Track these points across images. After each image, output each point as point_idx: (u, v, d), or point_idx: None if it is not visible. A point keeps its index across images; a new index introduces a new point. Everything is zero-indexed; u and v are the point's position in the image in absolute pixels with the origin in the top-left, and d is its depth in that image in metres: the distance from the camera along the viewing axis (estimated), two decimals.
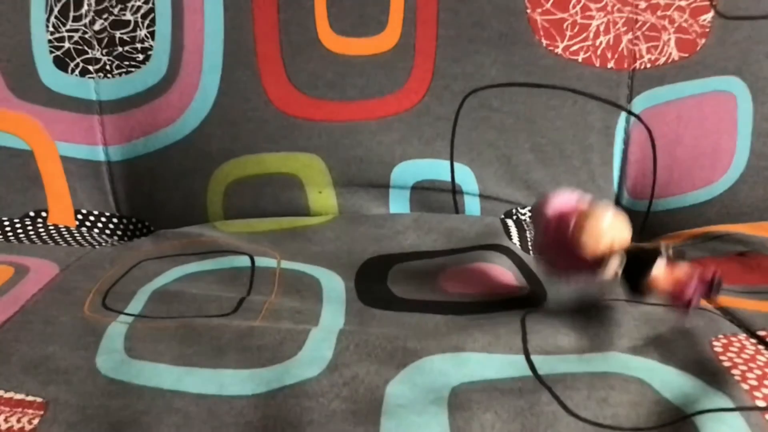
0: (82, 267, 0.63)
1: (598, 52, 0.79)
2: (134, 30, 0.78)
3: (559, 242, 0.52)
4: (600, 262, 0.51)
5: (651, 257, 0.50)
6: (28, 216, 0.79)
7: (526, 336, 0.49)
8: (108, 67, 0.79)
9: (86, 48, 0.79)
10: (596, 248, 0.50)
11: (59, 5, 0.78)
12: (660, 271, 0.49)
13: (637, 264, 0.50)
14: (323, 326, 0.52)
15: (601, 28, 0.79)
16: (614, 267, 0.50)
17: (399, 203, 0.79)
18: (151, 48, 0.78)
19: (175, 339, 0.49)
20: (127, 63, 0.79)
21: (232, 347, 0.48)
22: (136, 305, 0.55)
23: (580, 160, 0.79)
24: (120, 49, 0.78)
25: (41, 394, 0.45)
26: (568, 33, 0.79)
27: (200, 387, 0.45)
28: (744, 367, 0.46)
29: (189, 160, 0.79)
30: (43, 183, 0.80)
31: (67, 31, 0.79)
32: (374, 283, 0.60)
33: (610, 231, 0.51)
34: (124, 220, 0.82)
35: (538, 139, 0.79)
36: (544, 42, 0.78)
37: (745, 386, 0.44)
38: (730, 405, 0.43)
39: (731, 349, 0.48)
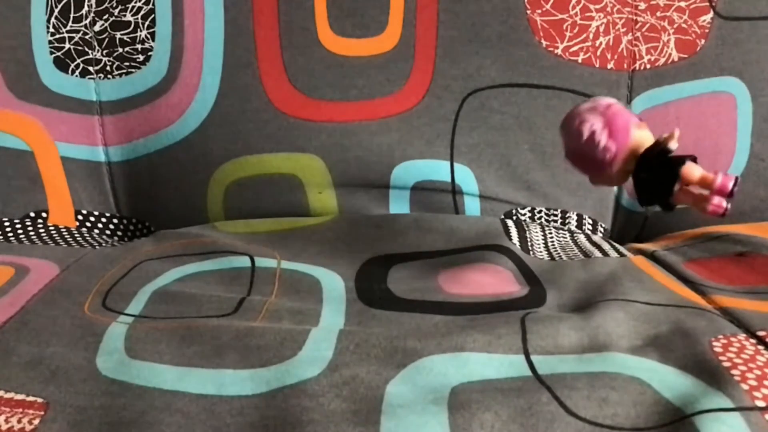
0: (82, 267, 0.63)
1: (598, 52, 0.79)
2: (134, 31, 0.78)
3: (611, 125, 0.57)
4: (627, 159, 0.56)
5: (677, 162, 0.55)
6: (28, 216, 0.80)
7: (526, 336, 0.49)
8: (108, 68, 0.79)
9: (86, 49, 0.79)
10: (641, 144, 0.56)
11: (59, 6, 0.78)
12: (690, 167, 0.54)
13: (663, 172, 0.55)
14: (323, 326, 0.52)
15: (601, 29, 0.79)
16: (676, 137, 0.55)
17: (399, 203, 0.79)
18: (151, 49, 0.78)
19: (175, 339, 0.49)
20: (127, 64, 0.79)
21: (232, 347, 0.48)
22: (136, 306, 0.55)
23: None
24: (120, 49, 0.79)
25: (41, 394, 0.45)
26: (568, 34, 0.79)
27: (200, 387, 0.45)
28: (744, 368, 0.46)
29: (189, 160, 0.79)
30: (44, 183, 0.80)
31: (68, 31, 0.79)
32: (374, 283, 0.60)
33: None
34: (125, 221, 0.82)
35: (538, 139, 0.79)
36: (544, 43, 0.78)
37: (745, 386, 0.44)
38: (730, 405, 0.43)
39: (731, 349, 0.48)
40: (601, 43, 0.79)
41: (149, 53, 0.78)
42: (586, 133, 0.56)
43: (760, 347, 0.49)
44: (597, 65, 0.79)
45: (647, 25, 0.79)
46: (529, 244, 0.70)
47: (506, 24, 0.78)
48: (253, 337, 0.49)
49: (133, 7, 0.78)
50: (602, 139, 0.56)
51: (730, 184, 0.53)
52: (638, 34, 0.79)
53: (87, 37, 0.79)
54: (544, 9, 0.78)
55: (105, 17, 0.79)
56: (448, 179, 0.79)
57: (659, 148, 0.55)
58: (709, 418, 0.42)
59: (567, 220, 0.81)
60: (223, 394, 0.45)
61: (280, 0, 0.78)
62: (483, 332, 0.49)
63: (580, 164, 0.59)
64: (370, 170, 0.78)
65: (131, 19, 0.78)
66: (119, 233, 0.82)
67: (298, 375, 0.45)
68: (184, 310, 0.54)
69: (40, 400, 0.45)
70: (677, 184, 0.54)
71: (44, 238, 0.77)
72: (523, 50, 0.78)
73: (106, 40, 0.79)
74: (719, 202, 0.53)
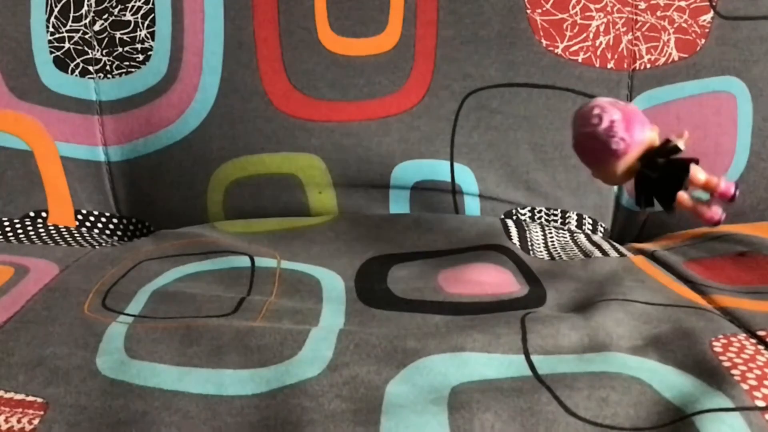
0: (82, 267, 0.63)
1: (598, 52, 0.79)
2: (134, 30, 0.78)
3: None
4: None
5: (684, 163, 0.57)
6: (28, 216, 0.80)
7: (526, 336, 0.49)
8: (108, 68, 0.79)
9: (86, 48, 0.79)
10: (652, 144, 0.59)
11: (59, 6, 0.78)
12: (696, 169, 0.58)
13: (670, 172, 0.57)
14: (323, 326, 0.52)
15: (601, 29, 0.79)
16: (685, 139, 0.58)
17: (399, 203, 0.79)
18: (151, 48, 0.78)
19: (175, 339, 0.49)
20: (127, 63, 0.79)
21: (232, 347, 0.48)
22: (136, 305, 0.55)
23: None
24: (120, 49, 0.79)
25: (41, 394, 0.45)
26: (568, 33, 0.79)
27: (200, 387, 0.45)
28: (744, 368, 0.46)
29: (189, 160, 0.79)
30: (43, 183, 0.80)
31: (67, 31, 0.79)
32: (374, 283, 0.60)
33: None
34: (124, 221, 0.82)
35: (538, 139, 0.79)
36: (544, 42, 0.78)
37: (745, 386, 0.44)
38: (730, 405, 0.43)
39: (731, 349, 0.48)
40: (601, 43, 0.79)
41: (149, 53, 0.78)
42: (606, 122, 0.58)
43: (760, 347, 0.49)
44: (597, 65, 0.79)
45: (647, 25, 0.79)
46: (529, 244, 0.70)
47: (506, 24, 0.78)
48: (253, 337, 0.49)
49: (133, 6, 0.78)
50: (619, 129, 0.57)
51: (732, 189, 0.57)
52: (638, 33, 0.79)
53: (87, 36, 0.79)
54: (544, 9, 0.78)
55: (105, 17, 0.79)
56: (448, 179, 0.79)
57: (668, 148, 0.57)
58: (710, 417, 0.42)
59: (567, 220, 0.81)
60: (223, 394, 0.45)
61: (280, 0, 0.78)
62: (483, 332, 0.49)
63: (589, 154, 0.60)
64: (370, 170, 0.78)
65: (131, 18, 0.78)
66: (119, 233, 0.82)
67: (298, 375, 0.45)
68: (184, 310, 0.54)
69: (40, 400, 0.45)
70: (685, 184, 0.56)
71: (44, 237, 0.77)
72: (523, 50, 0.78)
73: (106, 39, 0.79)
74: (717, 210, 0.57)
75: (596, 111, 0.58)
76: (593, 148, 0.59)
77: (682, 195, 0.57)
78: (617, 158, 0.58)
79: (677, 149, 0.57)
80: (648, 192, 0.58)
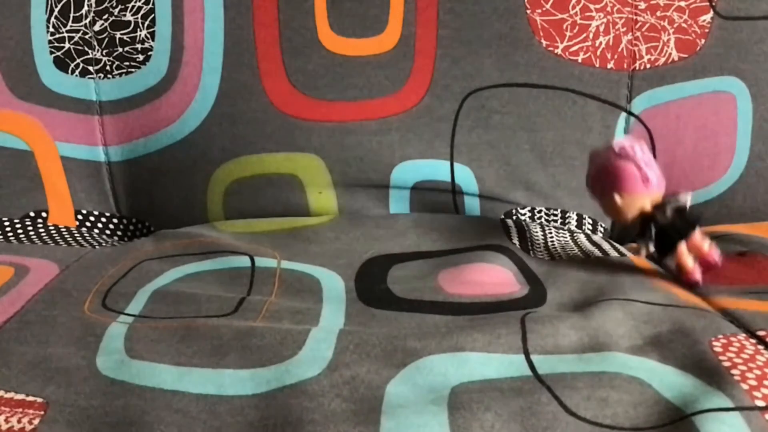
0: (82, 267, 0.63)
1: (598, 52, 0.79)
2: (134, 30, 0.78)
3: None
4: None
5: (688, 225, 0.61)
6: (28, 216, 0.80)
7: (525, 336, 0.49)
8: (108, 68, 0.79)
9: (86, 48, 0.79)
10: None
11: (59, 6, 0.78)
12: (697, 236, 0.61)
13: (678, 222, 0.61)
14: (323, 326, 0.52)
15: (601, 29, 0.79)
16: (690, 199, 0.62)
17: (399, 203, 0.79)
18: (151, 48, 0.78)
19: (175, 339, 0.49)
20: (127, 63, 0.79)
21: (232, 347, 0.48)
22: (136, 305, 0.55)
23: (580, 160, 0.79)
24: (120, 49, 0.79)
25: (41, 394, 0.45)
26: (568, 33, 0.79)
27: (200, 387, 0.45)
28: (743, 367, 0.46)
29: (189, 160, 0.79)
30: (43, 183, 0.80)
31: (68, 31, 0.79)
32: (374, 283, 0.60)
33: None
34: (124, 220, 0.82)
35: (538, 139, 0.79)
36: (544, 42, 0.78)
37: (745, 386, 0.44)
38: (730, 405, 0.43)
39: (731, 349, 0.48)
40: (601, 43, 0.79)
41: (149, 53, 0.78)
42: (648, 154, 0.62)
43: (760, 347, 0.49)
44: (597, 65, 0.79)
45: (647, 25, 0.79)
46: (529, 244, 0.70)
47: (506, 24, 0.78)
48: (253, 337, 0.49)
49: (133, 6, 0.78)
50: (653, 165, 0.62)
51: (718, 259, 0.61)
52: (638, 33, 0.79)
53: (87, 36, 0.79)
54: (544, 9, 0.78)
55: (105, 17, 0.79)
56: (448, 179, 0.79)
57: (678, 203, 0.61)
58: (709, 417, 0.42)
59: (567, 220, 0.81)
60: (223, 394, 0.45)
61: (280, 0, 0.78)
62: (483, 332, 0.49)
63: (617, 181, 0.62)
64: (370, 170, 0.78)
65: (131, 18, 0.78)
66: (119, 233, 0.82)
67: (298, 375, 0.45)
68: (184, 310, 0.54)
69: (40, 400, 0.45)
70: (691, 234, 0.61)
71: (44, 238, 0.77)
72: (523, 50, 0.78)
73: (106, 39, 0.79)
74: (698, 271, 0.60)
75: (629, 144, 0.62)
76: (624, 176, 0.61)
77: (682, 247, 0.61)
78: (646, 190, 0.61)
79: (684, 206, 0.61)
80: (649, 235, 0.61)
